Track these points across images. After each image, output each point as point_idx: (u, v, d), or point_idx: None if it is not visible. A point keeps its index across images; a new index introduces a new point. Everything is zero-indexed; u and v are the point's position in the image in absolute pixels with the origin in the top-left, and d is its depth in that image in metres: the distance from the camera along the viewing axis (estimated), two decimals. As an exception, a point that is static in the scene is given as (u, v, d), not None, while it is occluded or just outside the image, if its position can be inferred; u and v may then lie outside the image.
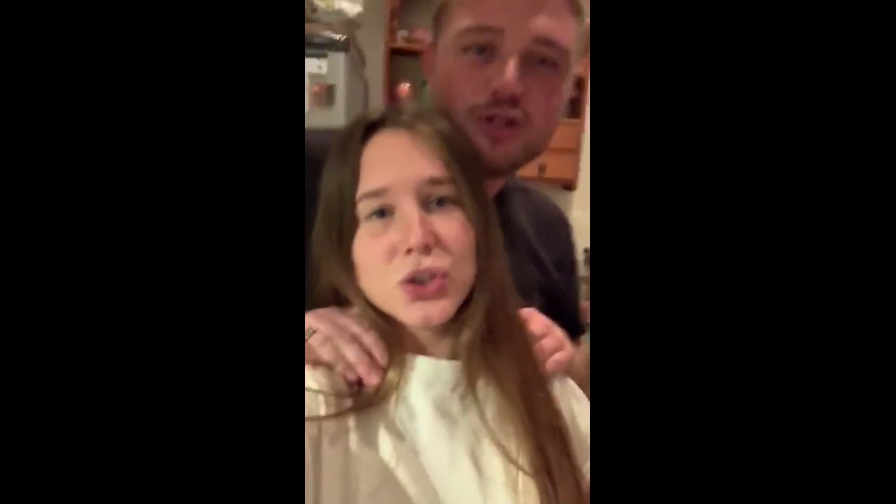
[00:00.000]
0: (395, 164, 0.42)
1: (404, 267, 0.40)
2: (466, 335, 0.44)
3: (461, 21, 0.53)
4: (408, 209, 0.41)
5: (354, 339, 0.43)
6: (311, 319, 0.44)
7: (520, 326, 0.49)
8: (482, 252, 0.44)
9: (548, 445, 0.45)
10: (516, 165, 0.58)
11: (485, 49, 0.52)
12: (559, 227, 0.74)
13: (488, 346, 0.45)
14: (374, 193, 0.41)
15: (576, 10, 0.54)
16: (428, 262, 0.40)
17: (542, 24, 0.51)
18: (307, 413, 0.38)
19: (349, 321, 0.44)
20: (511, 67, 0.50)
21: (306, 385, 0.39)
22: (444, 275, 0.41)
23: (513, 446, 0.43)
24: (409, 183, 0.41)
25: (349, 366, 0.42)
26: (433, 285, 0.41)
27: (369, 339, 0.43)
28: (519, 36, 0.51)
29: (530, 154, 0.57)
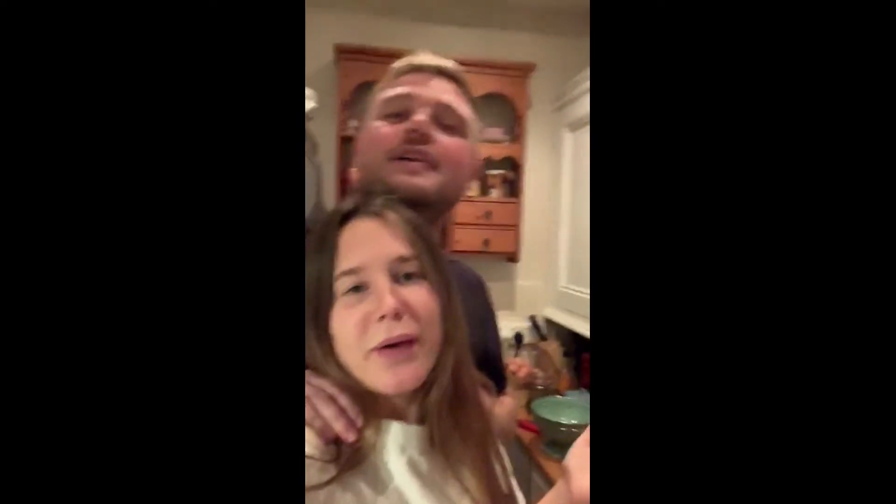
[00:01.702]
0: (367, 246, 0.48)
1: (378, 335, 0.45)
2: (435, 395, 0.48)
3: (381, 95, 0.66)
4: (380, 283, 0.46)
5: (331, 400, 0.46)
6: None
7: (477, 388, 0.54)
8: (446, 319, 0.49)
9: (500, 495, 0.51)
10: (430, 206, 0.62)
11: (399, 114, 0.63)
12: (479, 290, 0.81)
13: (455, 405, 0.50)
14: (351, 272, 0.47)
15: (472, 105, 0.69)
16: (399, 329, 0.45)
17: (445, 96, 0.65)
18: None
19: (325, 383, 0.48)
20: (421, 114, 0.62)
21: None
22: (415, 340, 0.46)
23: (476, 494, 0.48)
24: (381, 261, 0.47)
25: (326, 424, 0.45)
26: (404, 350, 0.45)
27: (344, 400, 0.47)
28: (426, 100, 0.64)
29: (443, 199, 0.64)
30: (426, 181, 0.62)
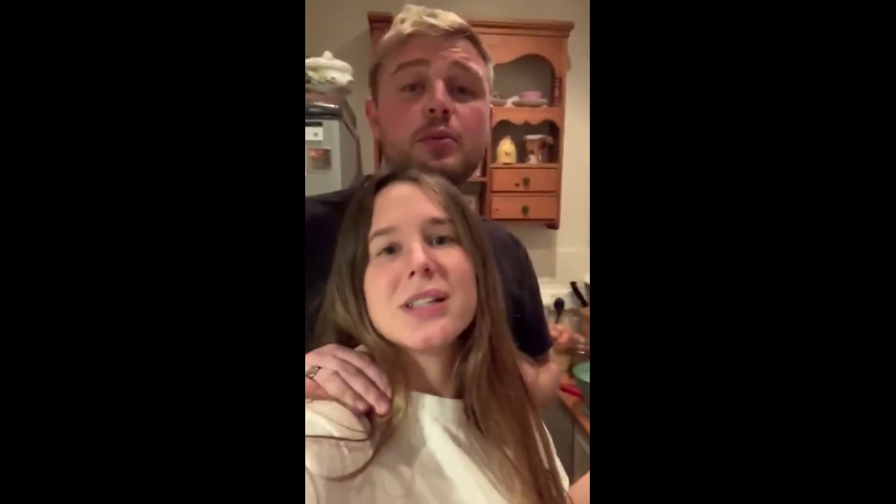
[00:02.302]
0: (402, 207, 0.48)
1: (408, 290, 0.45)
2: (472, 364, 0.48)
3: (392, 65, 0.67)
4: (412, 242, 0.46)
5: (359, 372, 0.46)
6: (315, 357, 0.48)
7: (516, 358, 0.53)
8: (481, 284, 0.49)
9: (540, 469, 0.50)
10: (457, 178, 0.66)
11: (415, 86, 0.65)
12: (514, 249, 0.81)
13: (493, 377, 0.49)
14: (384, 231, 0.47)
15: (483, 56, 0.70)
16: (429, 285, 0.45)
17: (458, 53, 0.66)
18: (330, 462, 0.39)
19: (351, 356, 0.48)
20: (439, 88, 0.64)
21: (326, 433, 0.41)
22: (444, 297, 0.46)
23: (516, 468, 0.48)
24: (414, 222, 0.47)
25: (357, 396, 0.45)
26: (432, 306, 0.45)
27: (372, 371, 0.46)
28: (440, 64, 0.65)
29: (468, 168, 0.69)
30: (452, 160, 0.65)
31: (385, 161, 0.73)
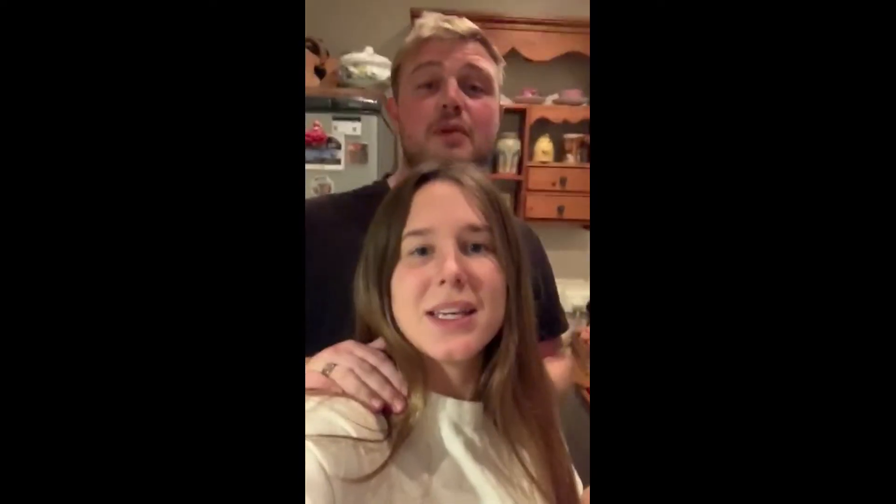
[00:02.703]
0: (440, 209, 0.46)
1: (436, 297, 0.44)
2: (497, 377, 0.47)
3: (410, 66, 0.73)
4: (446, 248, 0.45)
5: (374, 370, 0.46)
6: (332, 354, 0.48)
7: (544, 371, 0.52)
8: (512, 297, 0.47)
9: (561, 482, 0.50)
10: None
11: (430, 84, 0.72)
12: (528, 234, 0.83)
13: (518, 391, 0.48)
14: (419, 232, 0.46)
15: (494, 58, 0.76)
16: (458, 296, 0.43)
17: (469, 55, 0.72)
18: (347, 463, 0.39)
19: (368, 353, 0.47)
20: (452, 86, 0.70)
21: (343, 433, 0.40)
22: (472, 311, 0.44)
23: (535, 481, 0.48)
24: (451, 226, 0.45)
25: (373, 394, 0.45)
26: (459, 319, 0.44)
27: (387, 369, 0.46)
28: (453, 64, 0.71)
29: (477, 160, 0.73)
30: (463, 151, 0.71)
31: (402, 154, 0.78)
